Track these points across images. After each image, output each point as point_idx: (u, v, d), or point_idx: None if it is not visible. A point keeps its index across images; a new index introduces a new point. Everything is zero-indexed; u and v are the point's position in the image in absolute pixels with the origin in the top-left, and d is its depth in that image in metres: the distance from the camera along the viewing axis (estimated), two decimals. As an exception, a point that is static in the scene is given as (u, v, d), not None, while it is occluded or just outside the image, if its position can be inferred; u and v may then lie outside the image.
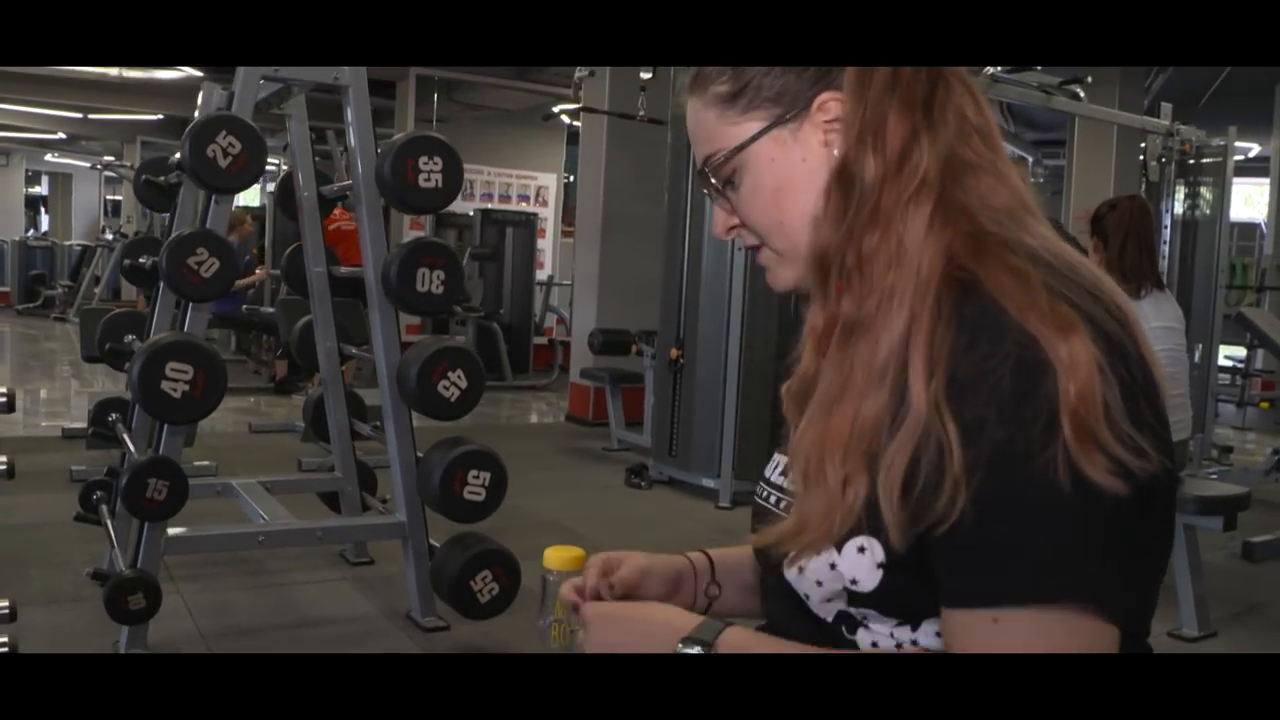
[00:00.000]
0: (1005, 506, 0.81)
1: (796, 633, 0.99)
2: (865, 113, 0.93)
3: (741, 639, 0.97)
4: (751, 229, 1.03)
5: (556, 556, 1.27)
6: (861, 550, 0.90)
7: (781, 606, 1.03)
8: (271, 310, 8.33)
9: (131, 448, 3.33)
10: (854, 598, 0.93)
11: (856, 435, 0.90)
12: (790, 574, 0.97)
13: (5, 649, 1.84)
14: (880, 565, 0.90)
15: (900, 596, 0.91)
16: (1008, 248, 0.90)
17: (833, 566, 0.92)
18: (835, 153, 0.96)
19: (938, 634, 0.91)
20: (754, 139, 0.99)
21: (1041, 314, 0.83)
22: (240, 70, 3.18)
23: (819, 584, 0.95)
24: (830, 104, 0.95)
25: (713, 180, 1.03)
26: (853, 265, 0.93)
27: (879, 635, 0.94)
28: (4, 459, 2.26)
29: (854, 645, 0.95)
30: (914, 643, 0.92)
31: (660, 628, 1.01)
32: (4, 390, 2.12)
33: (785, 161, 0.98)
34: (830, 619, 0.96)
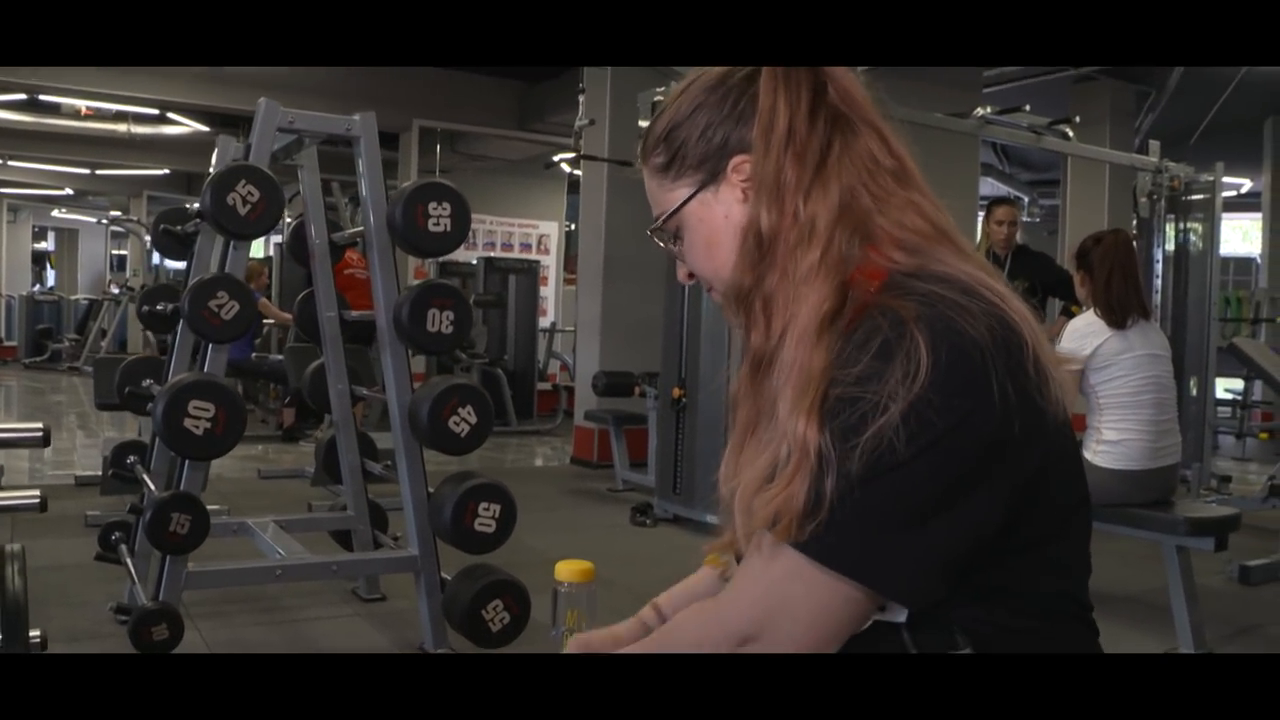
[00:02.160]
0: (829, 460, 0.94)
1: None
2: (763, 170, 1.05)
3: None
4: (699, 277, 1.19)
5: (567, 569, 1.36)
6: None
7: None
8: (280, 358, 8.45)
9: (152, 486, 3.44)
10: None
11: (766, 465, 1.02)
12: None
13: (37, 640, 1.93)
14: None
15: None
16: (908, 275, 1.00)
17: None
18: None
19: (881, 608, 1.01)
20: (684, 203, 1.13)
21: (899, 312, 0.95)
22: (257, 121, 3.31)
23: None
24: (743, 165, 1.08)
25: (661, 238, 1.19)
26: (759, 306, 1.07)
27: None
28: (36, 493, 2.36)
29: None
30: None
31: None
32: (40, 426, 2.23)
33: (711, 220, 1.12)
34: None
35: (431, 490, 3.47)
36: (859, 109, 1.08)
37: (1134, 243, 4.07)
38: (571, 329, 10.40)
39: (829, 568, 0.95)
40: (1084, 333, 3.72)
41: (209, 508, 4.42)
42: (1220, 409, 8.71)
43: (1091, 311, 3.79)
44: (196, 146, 12.92)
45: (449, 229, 3.37)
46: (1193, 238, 7.26)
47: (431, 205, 3.33)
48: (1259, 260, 16.31)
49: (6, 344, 18.04)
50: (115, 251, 22.93)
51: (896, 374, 0.92)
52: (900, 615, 1.01)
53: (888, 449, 0.92)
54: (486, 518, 3.29)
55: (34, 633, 2.49)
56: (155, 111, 11.99)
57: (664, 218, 1.17)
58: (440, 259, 10.35)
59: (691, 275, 1.20)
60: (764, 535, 0.98)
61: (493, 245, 12.96)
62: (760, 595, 0.99)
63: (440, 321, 3.36)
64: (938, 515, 0.94)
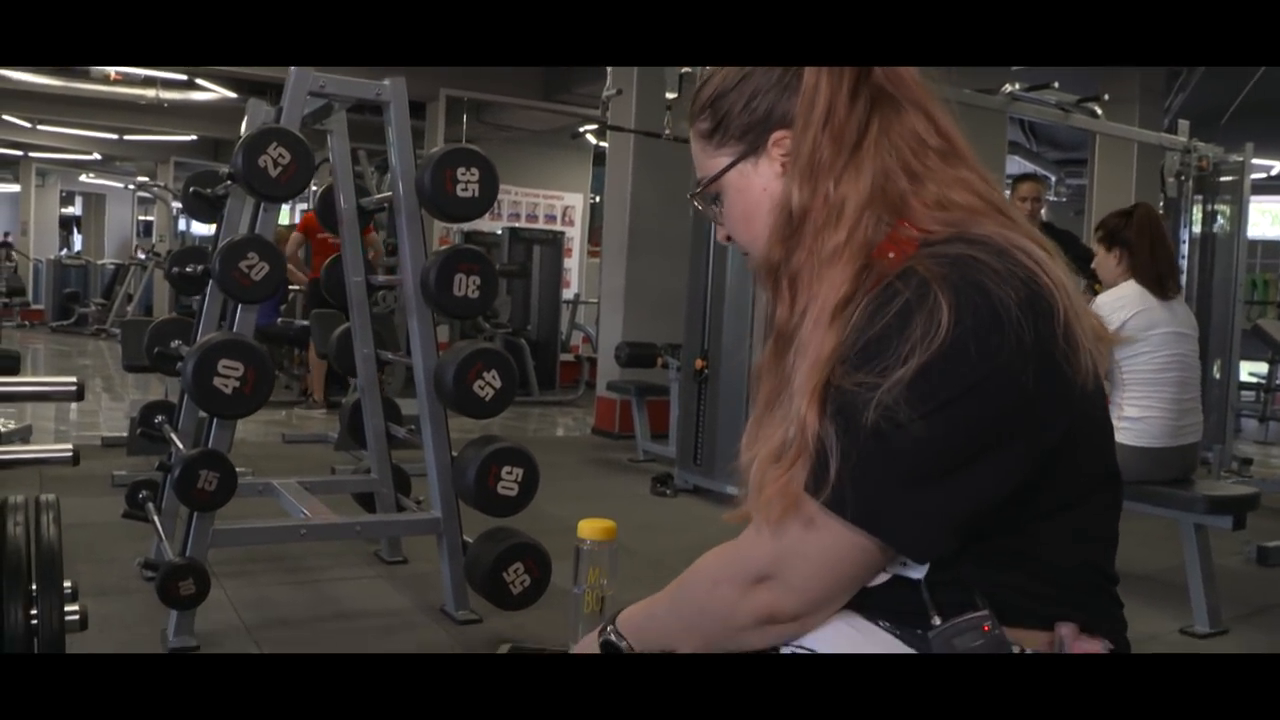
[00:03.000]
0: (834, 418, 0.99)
1: None
2: (800, 147, 1.07)
3: (630, 613, 1.19)
4: (736, 242, 1.21)
5: (590, 527, 1.39)
6: None
7: None
8: (306, 323, 8.50)
9: (180, 445, 3.49)
10: None
11: (780, 441, 1.05)
12: None
13: (69, 590, 1.98)
14: None
15: None
16: (936, 243, 1.02)
17: None
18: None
19: (903, 563, 1.04)
20: (725, 170, 1.16)
21: (915, 274, 0.99)
22: (288, 86, 3.34)
23: None
24: (784, 140, 1.10)
25: (701, 201, 1.22)
26: (785, 283, 1.09)
27: None
28: (69, 446, 2.40)
29: None
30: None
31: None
32: (74, 380, 2.27)
33: (749, 191, 1.15)
34: None
35: (455, 454, 3.51)
36: (905, 88, 1.09)
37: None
38: (595, 301, 10.41)
39: (840, 516, 0.98)
40: (1113, 307, 3.70)
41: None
42: (1244, 392, 8.68)
43: (1122, 285, 3.77)
44: (224, 112, 12.98)
45: (477, 194, 3.39)
46: (1220, 219, 7.21)
47: (460, 170, 3.36)
48: (1287, 243, 16.17)
49: (34, 307, 18.18)
50: (142, 217, 23.05)
51: (916, 333, 0.94)
52: (918, 571, 1.03)
53: (905, 405, 0.93)
54: (509, 481, 3.33)
55: (66, 583, 2.54)
56: (184, 77, 12.04)
57: (705, 183, 1.19)
58: (465, 229, 10.40)
59: (730, 238, 1.23)
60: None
61: (517, 216, 12.97)
62: (776, 537, 1.02)
63: (467, 286, 3.39)
64: (951, 474, 0.96)
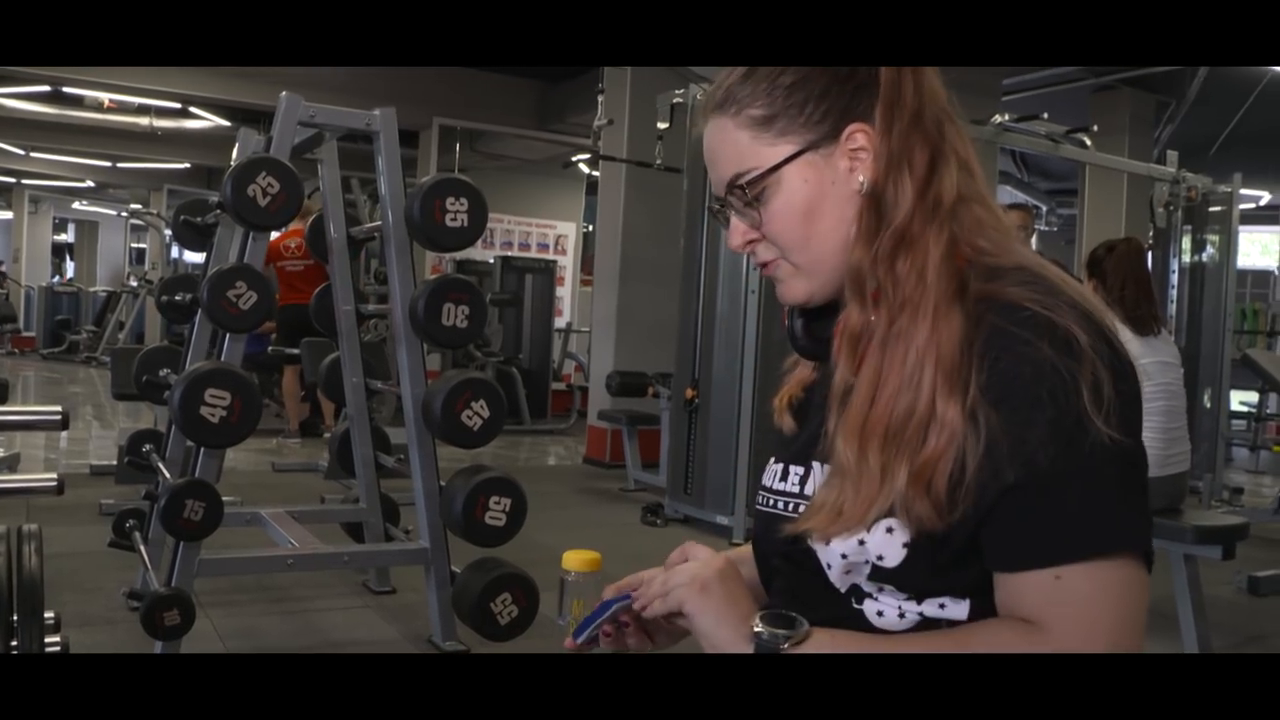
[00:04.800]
0: (1060, 473, 0.95)
1: (808, 598, 1.08)
2: (893, 144, 1.04)
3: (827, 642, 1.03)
4: (774, 242, 1.10)
5: (574, 558, 1.37)
6: (890, 531, 1.00)
7: (798, 574, 1.11)
8: (295, 352, 8.49)
9: (166, 474, 3.47)
10: (876, 572, 1.03)
11: (894, 430, 0.99)
12: (816, 545, 1.06)
13: (51, 621, 1.96)
14: (905, 545, 1.00)
15: (917, 573, 1.01)
16: (1003, 266, 1.03)
17: (861, 543, 1.02)
18: (860, 179, 1.05)
19: (940, 606, 1.01)
20: (788, 161, 1.07)
21: (1052, 307, 0.98)
22: (278, 115, 3.35)
23: (844, 556, 1.04)
24: (858, 134, 1.05)
25: (738, 196, 1.10)
26: (885, 282, 1.03)
27: (885, 606, 1.04)
28: (54, 476, 2.38)
29: (860, 614, 1.05)
30: (919, 614, 1.02)
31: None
32: (58, 409, 2.26)
33: (817, 184, 1.07)
34: (844, 590, 1.06)
35: (443, 484, 3.50)
36: (938, 98, 1.08)
37: (1149, 252, 4.07)
38: (587, 329, 10.42)
39: (1146, 558, 0.99)
40: None
41: (223, 498, 4.47)
42: (1234, 421, 8.69)
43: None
44: (217, 141, 12.99)
45: (466, 224, 3.39)
46: (1210, 249, 7.25)
47: (449, 200, 3.36)
48: (1276, 273, 16.27)
49: (25, 334, 18.14)
50: (134, 245, 23.03)
51: (1078, 362, 0.96)
52: (963, 612, 1.02)
53: (1094, 429, 0.95)
54: (497, 511, 3.32)
55: (48, 614, 2.52)
56: (178, 105, 12.06)
57: (757, 175, 1.08)
58: (457, 257, 10.41)
59: (749, 242, 1.13)
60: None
61: (510, 245, 13.00)
62: (1097, 617, 0.97)
63: (455, 315, 3.39)
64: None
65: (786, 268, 1.11)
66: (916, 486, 0.98)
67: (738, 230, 1.13)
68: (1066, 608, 0.95)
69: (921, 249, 1.02)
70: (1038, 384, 0.95)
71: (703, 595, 1.07)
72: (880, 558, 1.02)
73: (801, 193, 1.07)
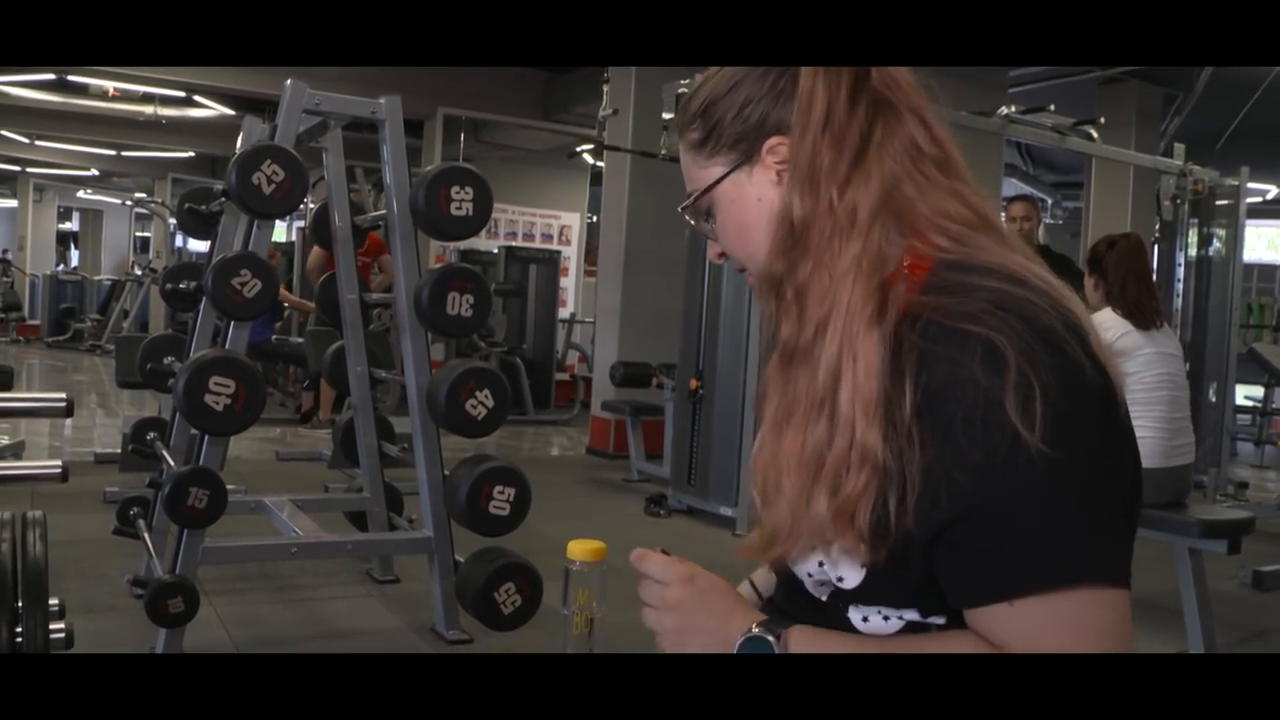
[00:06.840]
0: (996, 510, 0.89)
1: (793, 608, 1.09)
2: (799, 153, 1.01)
3: (806, 636, 1.03)
4: (731, 257, 1.14)
5: (579, 548, 1.36)
6: (845, 552, 0.98)
7: (786, 586, 1.13)
8: (300, 341, 8.50)
9: (171, 462, 3.47)
10: (839, 592, 1.02)
11: (808, 459, 0.97)
12: (792, 561, 1.07)
13: (56, 608, 1.96)
14: (864, 565, 0.98)
15: (881, 593, 1.00)
16: (953, 267, 0.97)
17: (820, 564, 1.02)
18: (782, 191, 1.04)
19: (922, 614, 0.99)
20: (717, 182, 1.09)
21: (990, 322, 0.90)
22: (283, 103, 3.34)
23: (809, 575, 1.05)
24: (779, 147, 1.04)
25: (691, 215, 1.15)
26: (791, 296, 1.02)
27: (869, 612, 1.02)
28: (58, 463, 2.39)
29: (846, 619, 1.03)
30: (900, 618, 1.00)
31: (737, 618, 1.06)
32: (63, 396, 2.26)
33: (743, 201, 1.08)
34: (824, 599, 1.06)
35: (447, 473, 3.50)
36: (903, 94, 1.04)
37: (1154, 246, 4.06)
38: (590, 320, 10.41)
39: (1111, 582, 0.92)
40: (1105, 325, 3.71)
41: (227, 487, 4.48)
42: (1240, 415, 8.67)
43: (1103, 310, 3.78)
44: (222, 130, 12.99)
45: (471, 213, 3.39)
46: (1216, 243, 7.22)
47: (454, 189, 3.35)
48: (1283, 267, 16.21)
49: (30, 323, 18.15)
50: (139, 233, 23.06)
51: (1008, 380, 0.88)
52: (941, 619, 1.00)
53: (1029, 452, 0.88)
54: (501, 501, 3.32)
55: (52, 601, 2.53)
56: (182, 94, 12.05)
57: (695, 196, 1.13)
58: (461, 247, 10.40)
59: (723, 254, 1.16)
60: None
61: (514, 235, 12.99)
62: (1060, 648, 0.91)
63: (460, 304, 3.38)
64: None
65: (751, 279, 1.12)
66: (839, 522, 0.95)
67: (711, 246, 1.18)
68: (1026, 639, 0.90)
69: (825, 263, 0.99)
70: (970, 409, 0.88)
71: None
72: (840, 579, 1.01)
73: (732, 212, 1.10)
